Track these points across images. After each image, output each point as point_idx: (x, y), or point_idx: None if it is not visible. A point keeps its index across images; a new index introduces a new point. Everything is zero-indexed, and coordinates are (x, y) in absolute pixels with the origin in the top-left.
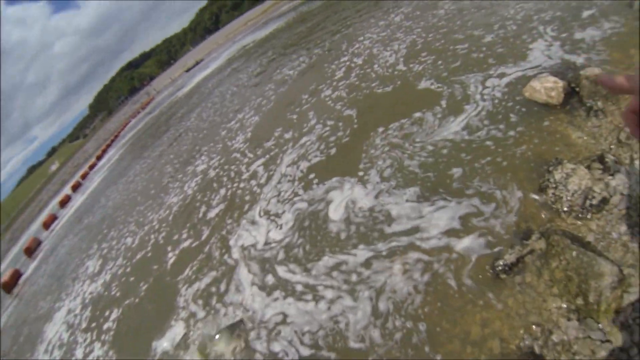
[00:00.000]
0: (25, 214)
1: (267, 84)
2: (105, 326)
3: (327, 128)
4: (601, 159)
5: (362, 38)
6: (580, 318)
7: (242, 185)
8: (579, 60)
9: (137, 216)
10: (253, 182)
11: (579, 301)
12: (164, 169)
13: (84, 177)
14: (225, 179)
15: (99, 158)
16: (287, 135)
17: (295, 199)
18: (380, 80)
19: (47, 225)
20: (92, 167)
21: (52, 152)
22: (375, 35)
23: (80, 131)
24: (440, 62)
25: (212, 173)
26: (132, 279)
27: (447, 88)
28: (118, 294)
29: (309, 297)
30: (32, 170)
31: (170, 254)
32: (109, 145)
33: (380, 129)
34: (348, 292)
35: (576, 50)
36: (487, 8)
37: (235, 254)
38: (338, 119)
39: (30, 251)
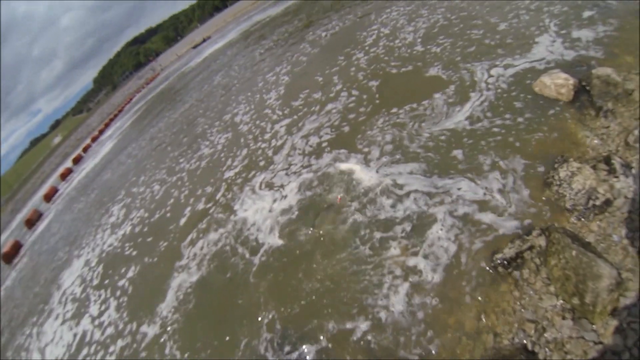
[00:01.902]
0: (27, 186)
1: (300, 44)
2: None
3: (352, 98)
4: (607, 160)
5: (389, 10)
6: (575, 318)
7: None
8: (589, 58)
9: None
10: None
11: (575, 301)
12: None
13: (85, 150)
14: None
15: (101, 132)
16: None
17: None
18: (400, 60)
19: (48, 197)
20: (94, 139)
21: (56, 125)
22: (402, 8)
23: (84, 105)
24: (456, 46)
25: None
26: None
27: (457, 74)
28: (134, 253)
29: None
30: (34, 143)
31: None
32: (112, 119)
33: (394, 109)
34: None
35: (585, 48)
36: None
37: None
38: (361, 90)
39: (30, 223)
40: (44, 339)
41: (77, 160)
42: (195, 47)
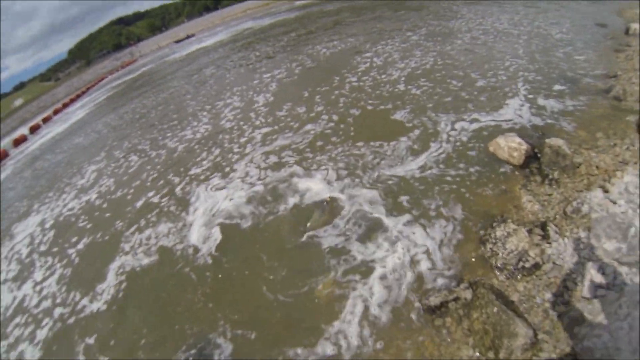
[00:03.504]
0: None
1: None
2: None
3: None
4: (544, 226)
5: (384, 42)
6: None
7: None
8: (547, 127)
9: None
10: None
11: (491, 355)
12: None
13: (45, 120)
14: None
15: (65, 105)
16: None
17: None
18: (380, 99)
19: None
20: (56, 112)
21: (20, 87)
22: (398, 44)
23: (53, 73)
24: (434, 92)
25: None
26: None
27: (424, 121)
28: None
29: None
30: None
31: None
32: (79, 95)
33: (360, 144)
34: None
35: (547, 117)
36: (492, 52)
37: None
38: (340, 117)
39: None
40: None
41: (35, 129)
42: (177, 42)
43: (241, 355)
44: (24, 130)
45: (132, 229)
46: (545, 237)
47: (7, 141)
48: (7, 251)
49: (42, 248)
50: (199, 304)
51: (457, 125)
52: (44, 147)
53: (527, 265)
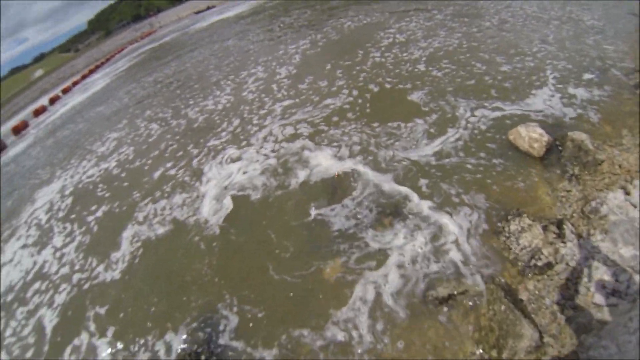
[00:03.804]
0: None
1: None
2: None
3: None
4: (560, 224)
5: (408, 19)
6: None
7: None
8: (571, 119)
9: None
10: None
11: (494, 354)
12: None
13: (65, 91)
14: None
15: (85, 77)
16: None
17: None
18: (397, 76)
19: (17, 130)
20: (75, 83)
21: (40, 58)
22: (422, 22)
23: (73, 44)
24: (456, 75)
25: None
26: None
27: (442, 105)
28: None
29: None
30: (14, 72)
31: None
32: (98, 67)
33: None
34: None
35: (573, 108)
36: (520, 36)
37: None
38: (360, 92)
39: None
40: (2, 258)
41: (54, 100)
42: (198, 12)
43: (246, 330)
44: (44, 101)
45: (148, 199)
46: (561, 235)
47: (27, 112)
48: (27, 216)
49: (61, 214)
50: (207, 276)
51: (478, 112)
52: (65, 116)
53: (540, 263)
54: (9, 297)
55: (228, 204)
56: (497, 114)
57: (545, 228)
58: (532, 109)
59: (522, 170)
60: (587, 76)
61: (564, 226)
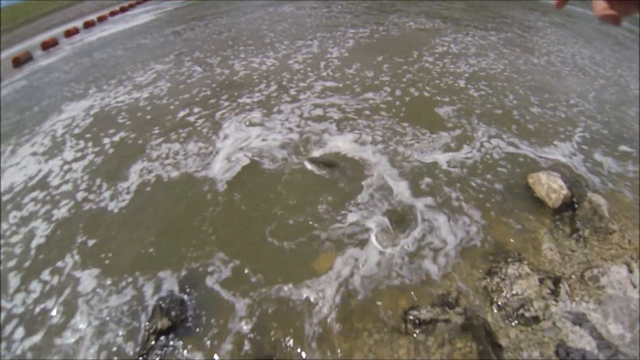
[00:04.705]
0: (25, 29)
1: None
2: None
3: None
4: (557, 281)
5: (466, 32)
6: None
7: None
8: (596, 183)
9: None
10: None
11: None
12: None
13: (100, 19)
14: None
15: (124, 10)
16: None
17: None
18: (435, 87)
19: (45, 46)
20: (113, 14)
21: None
22: (477, 40)
23: None
24: (487, 100)
25: None
26: None
27: (467, 126)
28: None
29: None
30: None
31: None
32: (140, 3)
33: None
34: None
35: (599, 174)
36: (561, 84)
37: None
38: (402, 93)
39: (18, 62)
40: (10, 160)
41: (89, 25)
42: None
43: (235, 282)
44: (77, 23)
45: (164, 139)
46: (555, 293)
47: (58, 31)
48: (49, 125)
49: (78, 131)
50: (206, 229)
51: (494, 141)
52: (102, 41)
53: (527, 314)
54: (6, 198)
55: (239, 165)
56: (511, 149)
57: (541, 281)
58: (547, 157)
59: (532, 215)
60: (623, 148)
61: (561, 285)
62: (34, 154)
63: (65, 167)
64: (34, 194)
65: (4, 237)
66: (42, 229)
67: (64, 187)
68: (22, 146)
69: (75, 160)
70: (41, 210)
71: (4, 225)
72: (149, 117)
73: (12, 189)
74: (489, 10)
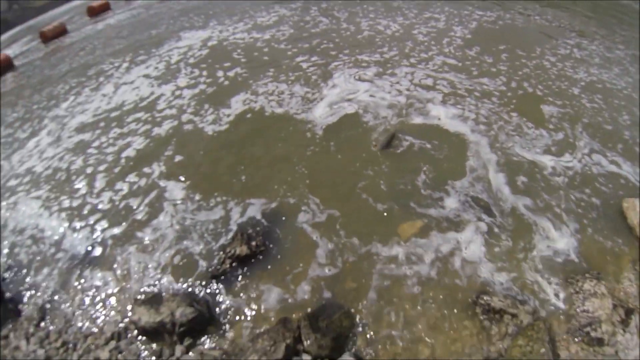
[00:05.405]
0: None
1: None
2: None
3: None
4: (629, 312)
5: (592, 39)
6: None
7: None
8: None
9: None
10: None
11: None
12: None
13: None
14: None
15: None
16: None
17: None
18: (548, 88)
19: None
20: None
21: None
22: (603, 49)
23: None
24: (598, 113)
25: None
26: None
27: (569, 133)
28: None
29: None
30: None
31: None
32: None
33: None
34: None
35: None
36: None
37: None
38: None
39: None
40: (125, 77)
41: None
42: None
43: (319, 226)
44: None
45: (274, 77)
46: (624, 322)
47: None
48: (165, 50)
49: (193, 61)
50: (297, 170)
51: (595, 157)
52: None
53: (593, 335)
54: (114, 114)
55: (340, 114)
56: (613, 168)
57: (615, 307)
58: None
59: (621, 239)
60: None
61: (632, 317)
62: (147, 76)
63: (177, 92)
64: (138, 115)
65: (99, 148)
66: (137, 143)
67: (168, 111)
68: (137, 65)
69: (188, 86)
70: (141, 128)
71: (103, 139)
72: (265, 57)
73: (122, 107)
74: (617, 18)
